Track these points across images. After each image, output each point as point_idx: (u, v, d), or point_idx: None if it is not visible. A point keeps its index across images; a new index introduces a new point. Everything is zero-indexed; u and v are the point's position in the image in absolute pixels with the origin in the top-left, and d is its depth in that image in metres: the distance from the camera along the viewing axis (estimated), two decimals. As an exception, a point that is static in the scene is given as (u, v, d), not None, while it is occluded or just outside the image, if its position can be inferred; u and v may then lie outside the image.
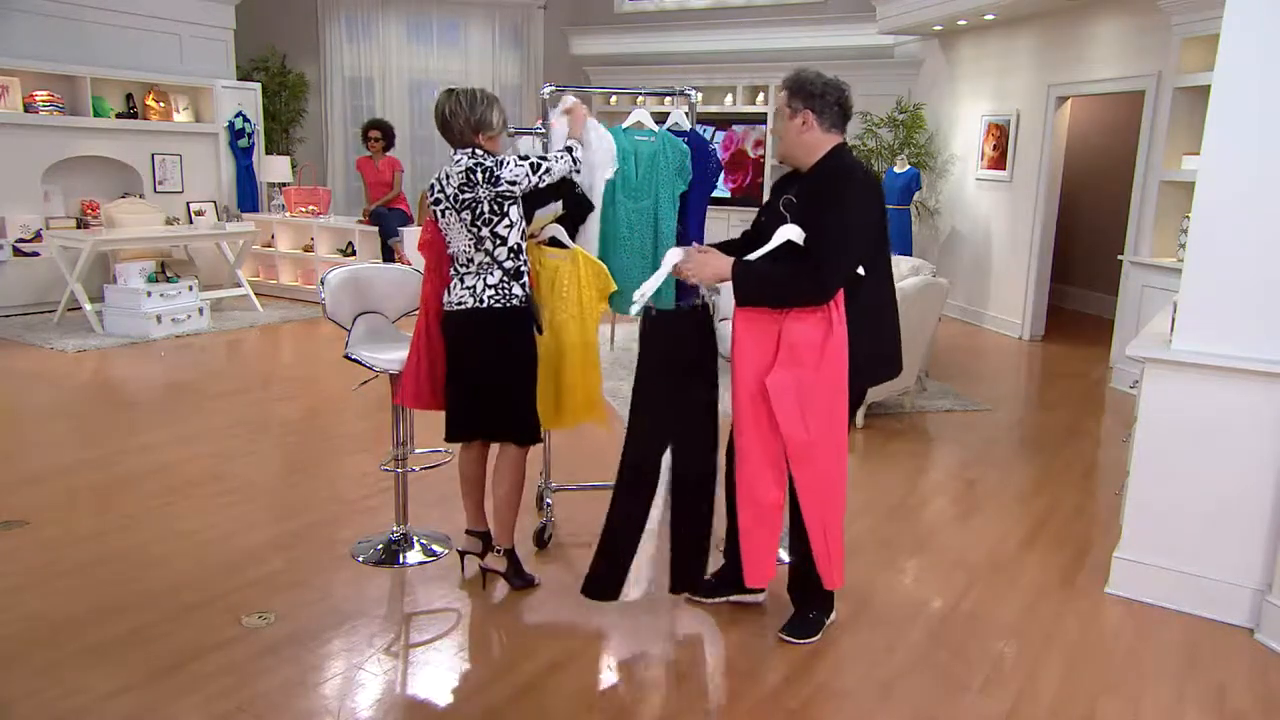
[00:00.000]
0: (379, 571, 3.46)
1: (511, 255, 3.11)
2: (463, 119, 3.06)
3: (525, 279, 3.16)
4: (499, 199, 3.05)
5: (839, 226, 2.71)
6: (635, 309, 2.90)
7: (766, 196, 3.18)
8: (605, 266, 3.41)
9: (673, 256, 2.81)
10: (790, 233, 2.72)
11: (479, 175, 3.03)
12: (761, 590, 3.17)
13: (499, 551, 3.31)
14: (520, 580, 3.32)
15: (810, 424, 2.76)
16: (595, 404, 3.53)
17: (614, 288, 3.41)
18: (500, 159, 3.07)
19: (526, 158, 3.11)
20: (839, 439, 2.83)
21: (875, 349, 2.91)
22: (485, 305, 3.09)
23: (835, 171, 2.81)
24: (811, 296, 2.71)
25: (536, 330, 3.20)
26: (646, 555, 3.04)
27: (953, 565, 3.66)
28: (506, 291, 3.10)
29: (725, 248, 3.00)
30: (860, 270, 2.79)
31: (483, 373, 3.15)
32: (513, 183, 3.05)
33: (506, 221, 3.08)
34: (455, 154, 3.11)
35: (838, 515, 2.89)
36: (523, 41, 11.62)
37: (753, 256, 2.78)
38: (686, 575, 3.13)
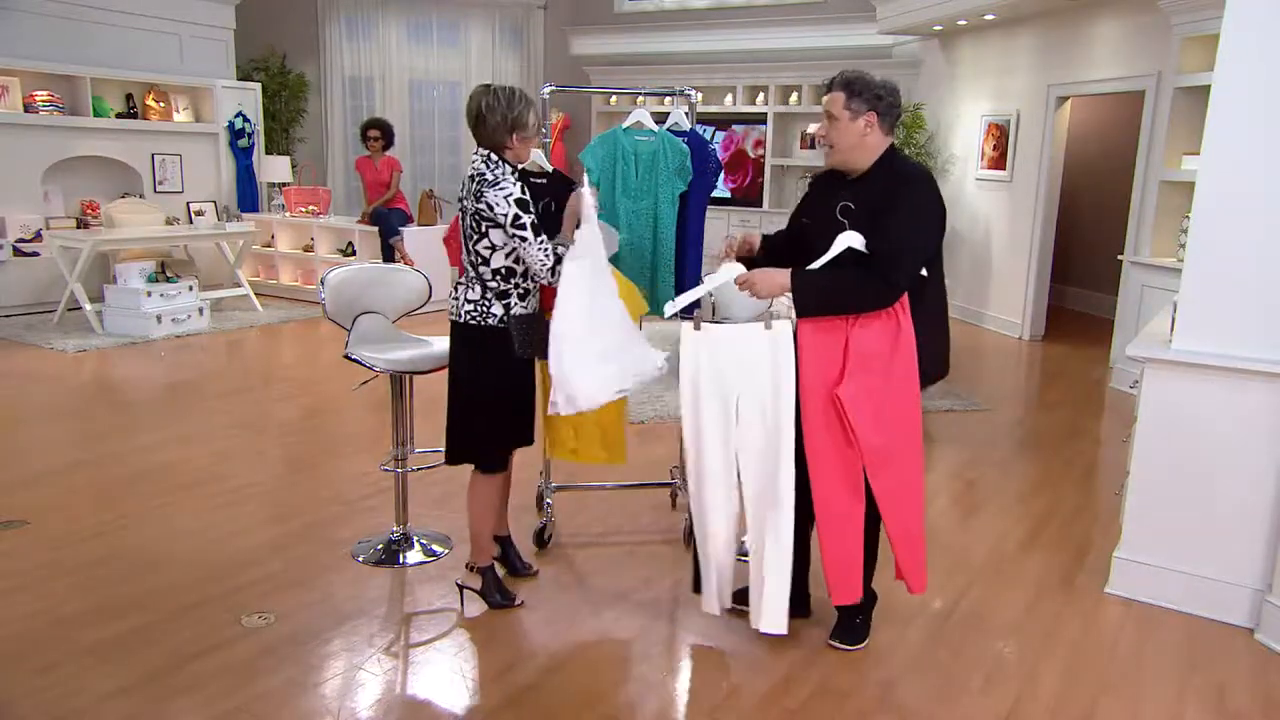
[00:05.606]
0: (379, 571, 3.46)
1: (497, 276, 2.94)
2: (500, 115, 2.87)
3: (514, 300, 2.97)
4: (478, 217, 2.89)
5: (907, 229, 2.67)
6: (670, 312, 2.85)
7: (797, 199, 3.02)
8: (636, 288, 3.30)
9: (730, 270, 2.72)
10: (851, 239, 2.66)
11: (474, 184, 2.89)
12: None
13: (472, 569, 3.25)
14: (499, 599, 3.19)
15: (886, 431, 2.70)
16: (612, 444, 3.50)
17: (646, 309, 3.29)
18: (499, 176, 2.88)
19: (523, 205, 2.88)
20: (915, 443, 2.76)
21: (934, 349, 2.85)
22: (461, 320, 2.99)
23: (899, 174, 2.75)
24: (878, 301, 2.67)
25: (524, 354, 2.99)
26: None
27: (953, 565, 3.66)
28: (485, 310, 2.95)
29: (767, 243, 2.98)
30: (924, 272, 2.75)
31: (452, 388, 3.08)
32: (490, 207, 2.85)
33: (486, 243, 2.91)
34: (475, 153, 2.96)
35: (919, 520, 2.83)
36: (523, 41, 11.62)
37: (814, 266, 2.70)
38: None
